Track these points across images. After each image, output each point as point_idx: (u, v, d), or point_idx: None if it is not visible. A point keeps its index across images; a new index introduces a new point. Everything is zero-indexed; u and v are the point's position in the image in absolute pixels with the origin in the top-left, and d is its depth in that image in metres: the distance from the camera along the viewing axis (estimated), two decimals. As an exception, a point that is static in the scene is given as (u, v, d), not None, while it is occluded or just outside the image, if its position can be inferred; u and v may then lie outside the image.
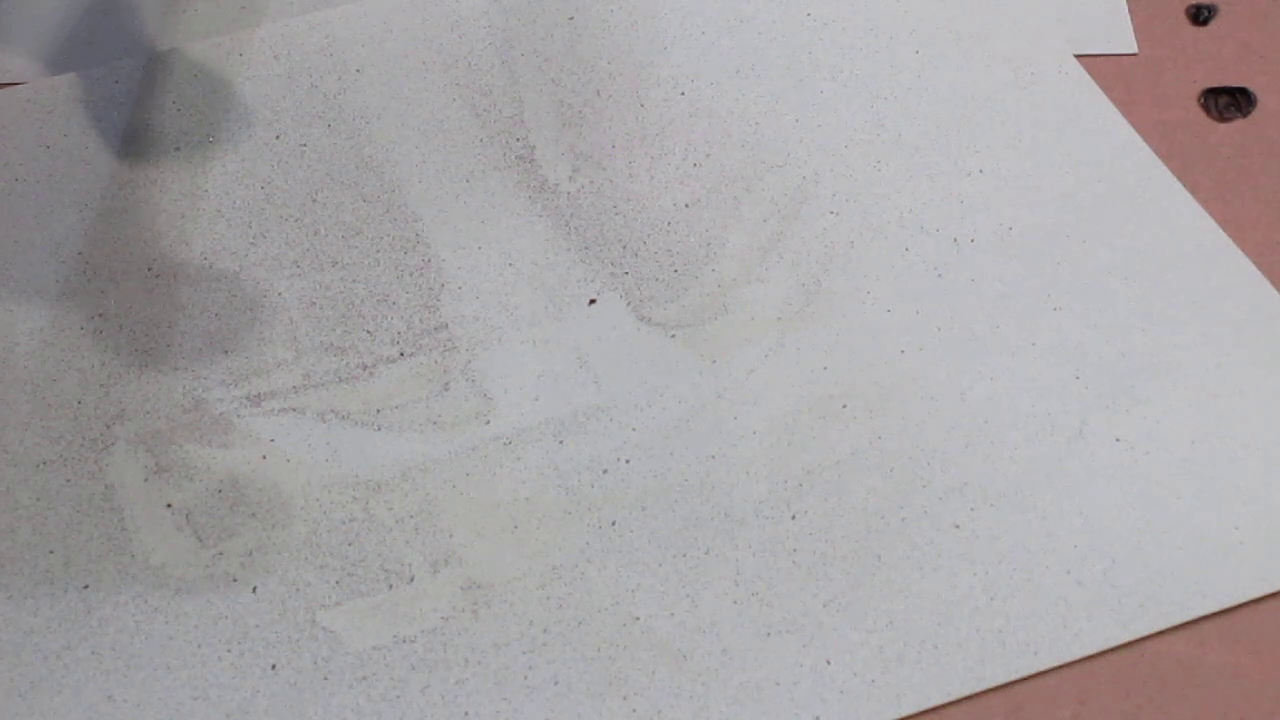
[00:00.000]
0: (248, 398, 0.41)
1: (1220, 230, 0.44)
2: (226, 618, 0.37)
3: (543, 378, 0.42)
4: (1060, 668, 0.36)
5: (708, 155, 0.47)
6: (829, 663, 0.36)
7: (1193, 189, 0.45)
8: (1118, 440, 0.40)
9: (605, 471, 0.40)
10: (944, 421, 0.40)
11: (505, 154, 0.47)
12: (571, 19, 0.51)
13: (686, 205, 0.46)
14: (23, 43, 0.51)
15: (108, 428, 0.41)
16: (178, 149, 0.48)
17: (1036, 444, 0.40)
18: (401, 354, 0.42)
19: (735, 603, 0.37)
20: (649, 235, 0.45)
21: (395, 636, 0.37)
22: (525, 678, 0.36)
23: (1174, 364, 0.41)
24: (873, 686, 0.35)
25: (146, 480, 0.40)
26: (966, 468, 0.39)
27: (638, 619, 0.37)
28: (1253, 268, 0.43)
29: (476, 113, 0.49)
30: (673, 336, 0.43)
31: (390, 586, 0.38)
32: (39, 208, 0.46)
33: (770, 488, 0.39)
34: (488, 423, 0.41)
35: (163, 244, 0.45)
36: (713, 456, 0.40)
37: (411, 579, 0.38)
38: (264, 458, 0.40)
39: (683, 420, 0.41)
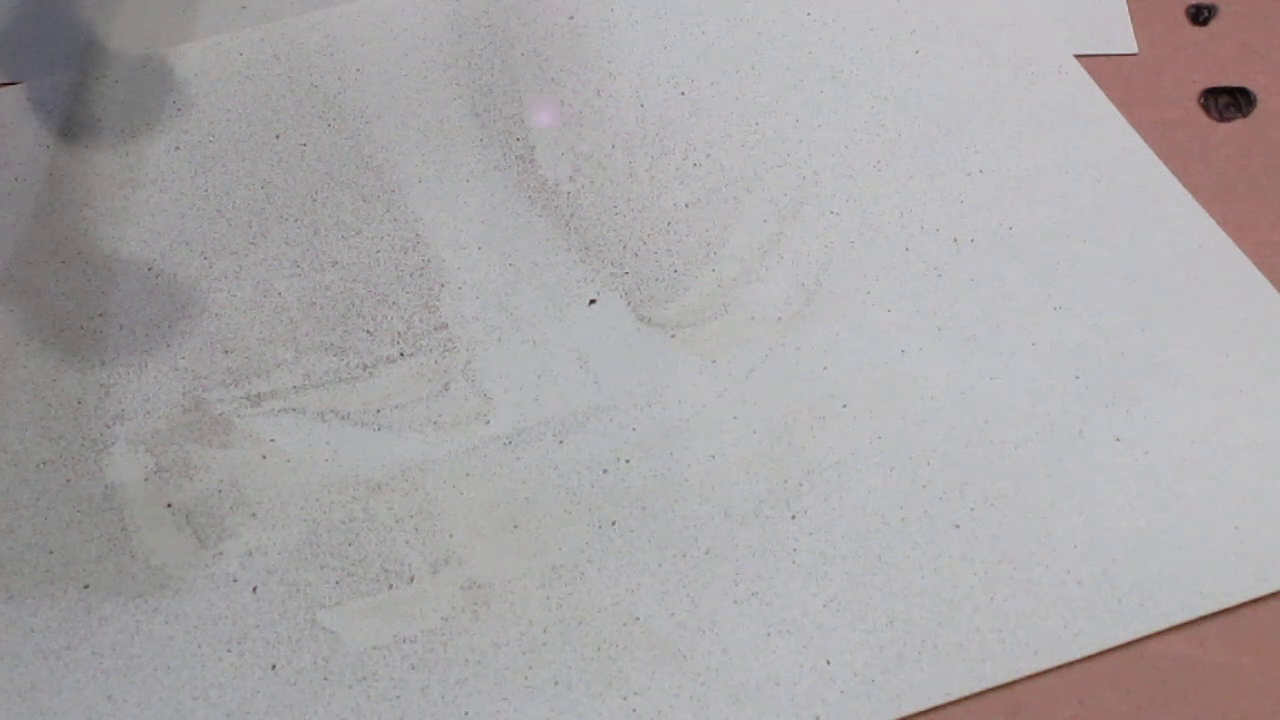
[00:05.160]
0: (248, 398, 0.41)
1: (1220, 230, 0.44)
2: (226, 618, 0.37)
3: (543, 378, 0.42)
4: (1060, 668, 0.36)
5: (708, 155, 0.47)
6: (829, 663, 0.36)
7: (1193, 189, 0.45)
8: (1118, 440, 0.40)
9: (605, 471, 0.40)
10: (944, 421, 0.40)
11: (505, 154, 0.47)
12: (571, 19, 0.51)
13: (686, 205, 0.46)
14: (23, 42, 0.51)
15: (108, 428, 0.41)
16: (178, 149, 0.48)
17: (1036, 444, 0.40)
18: (401, 354, 0.42)
19: (735, 603, 0.37)
20: (649, 235, 0.45)
21: (395, 636, 0.37)
22: (525, 678, 0.36)
23: (1174, 364, 0.41)
24: (873, 686, 0.35)
25: (146, 480, 0.40)
26: (966, 468, 0.39)
27: (638, 619, 0.37)
28: (1253, 268, 0.43)
29: (476, 113, 0.49)
30: (673, 336, 0.43)
31: (390, 586, 0.38)
32: (39, 208, 0.46)
33: (770, 488, 0.39)
34: (488, 423, 0.41)
35: (162, 244, 0.45)
36: (713, 456, 0.40)
37: (411, 579, 0.38)
38: (264, 458, 0.40)
39: (683, 420, 0.41)
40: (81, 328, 0.43)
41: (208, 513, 0.39)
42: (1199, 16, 0.51)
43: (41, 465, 0.40)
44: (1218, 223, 0.44)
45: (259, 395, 0.41)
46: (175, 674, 0.36)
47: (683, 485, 0.39)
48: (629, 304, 0.43)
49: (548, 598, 0.37)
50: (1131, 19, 0.51)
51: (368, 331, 0.43)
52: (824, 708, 0.35)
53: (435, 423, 0.41)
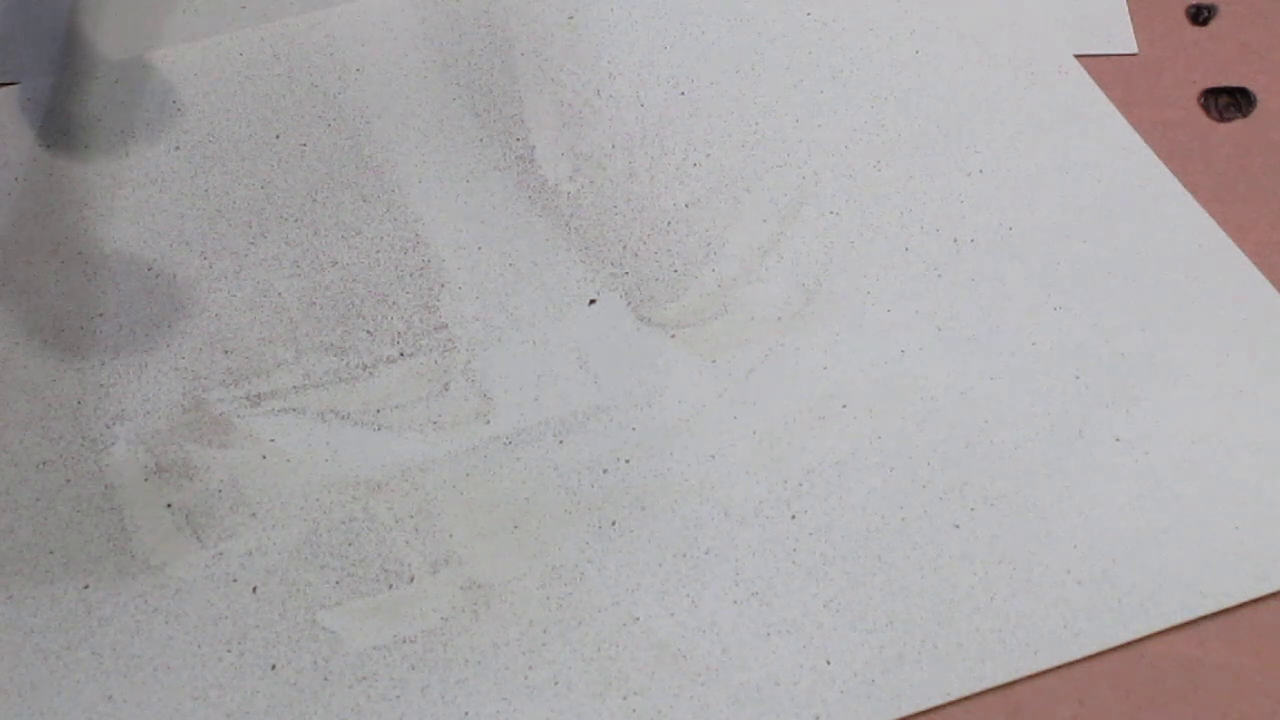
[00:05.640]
0: (248, 398, 0.41)
1: (1220, 230, 0.44)
2: (226, 618, 0.37)
3: (543, 378, 0.42)
4: (1060, 668, 0.36)
5: (708, 155, 0.47)
6: (829, 663, 0.36)
7: (1193, 189, 0.45)
8: (1118, 440, 0.40)
9: (605, 471, 0.40)
10: (944, 421, 0.40)
11: (505, 154, 0.47)
12: (571, 19, 0.51)
13: (686, 205, 0.46)
14: (22, 42, 0.51)
15: (108, 428, 0.41)
16: (178, 149, 0.48)
17: (1036, 444, 0.40)
18: (401, 354, 0.42)
19: (735, 603, 0.37)
20: (649, 235, 0.45)
21: (395, 636, 0.37)
22: (525, 678, 0.36)
23: (1174, 364, 0.41)
24: (873, 686, 0.35)
25: (146, 480, 0.40)
26: (966, 468, 0.39)
27: (638, 619, 0.37)
28: (1253, 268, 0.43)
29: (476, 113, 0.49)
30: (673, 336, 0.43)
31: (390, 586, 0.38)
32: (39, 207, 0.46)
33: (770, 488, 0.39)
34: (488, 423, 0.41)
35: (162, 244, 0.45)
36: (713, 456, 0.40)
37: (411, 579, 0.38)
38: (264, 458, 0.40)
39: (683, 420, 0.41)
40: (81, 328, 0.43)
41: (208, 513, 0.39)
42: (1199, 16, 0.51)
43: (41, 465, 0.40)
44: (1218, 223, 0.44)
45: (259, 395, 0.41)
46: (175, 674, 0.36)
47: (683, 485, 0.39)
48: (629, 304, 0.43)
49: (548, 598, 0.37)
50: (1131, 19, 0.51)
51: (368, 331, 0.43)
52: (824, 708, 0.35)
53: (435, 423, 0.41)
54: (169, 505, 0.39)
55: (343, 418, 0.41)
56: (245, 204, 0.46)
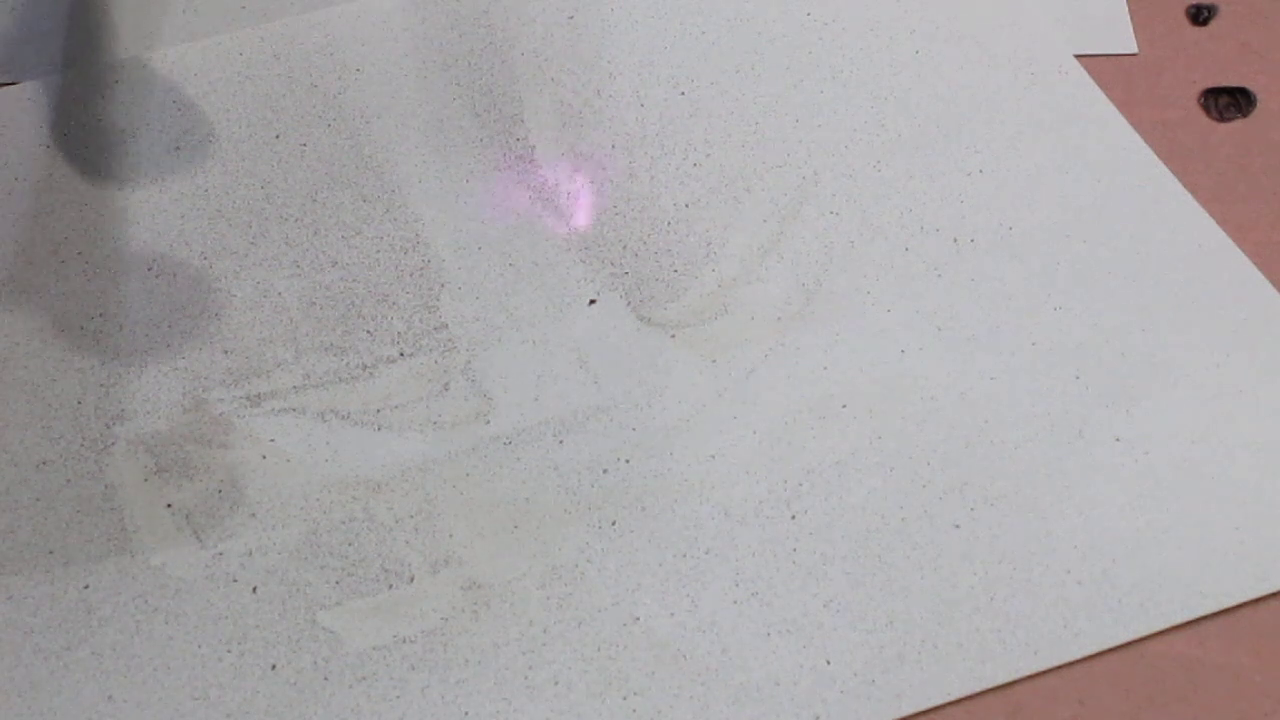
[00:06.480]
0: (248, 398, 0.41)
1: (1220, 230, 0.44)
2: (226, 618, 0.37)
3: (543, 378, 0.42)
4: (1060, 668, 0.36)
5: (708, 155, 0.47)
6: (829, 663, 0.36)
7: (1193, 189, 0.45)
8: (1118, 440, 0.40)
9: (605, 471, 0.40)
10: (944, 421, 0.40)
11: (505, 154, 0.47)
12: (571, 19, 0.51)
13: (686, 205, 0.46)
14: (23, 42, 0.51)
15: (108, 428, 0.41)
16: (178, 149, 0.48)
17: (1036, 444, 0.40)
18: (401, 354, 0.42)
19: (735, 603, 0.37)
20: (649, 235, 0.45)
21: (395, 636, 0.37)
22: (525, 678, 0.36)
23: (1174, 364, 0.41)
24: (873, 686, 0.35)
25: (146, 480, 0.40)
26: (966, 468, 0.39)
27: (638, 619, 0.37)
28: (1253, 268, 0.43)
29: (476, 113, 0.49)
30: (673, 336, 0.43)
31: (390, 586, 0.38)
32: (39, 208, 0.46)
33: (770, 488, 0.39)
34: (488, 423, 0.41)
35: (163, 244, 0.45)
36: (713, 456, 0.40)
37: (411, 579, 0.38)
38: (264, 458, 0.40)
39: (683, 420, 0.41)
40: (81, 328, 0.43)
41: (208, 513, 0.39)
42: (1199, 16, 0.51)
43: (41, 465, 0.40)
44: (1218, 223, 0.44)
45: (259, 395, 0.41)
46: (175, 674, 0.36)
47: (683, 485, 0.39)
48: (629, 304, 0.43)
49: (548, 598, 0.37)
50: (1131, 19, 0.51)
51: (368, 331, 0.43)
52: (824, 708, 0.35)
53: (435, 423, 0.41)
54: (169, 505, 0.39)
55: (343, 418, 0.41)
56: (245, 204, 0.46)
